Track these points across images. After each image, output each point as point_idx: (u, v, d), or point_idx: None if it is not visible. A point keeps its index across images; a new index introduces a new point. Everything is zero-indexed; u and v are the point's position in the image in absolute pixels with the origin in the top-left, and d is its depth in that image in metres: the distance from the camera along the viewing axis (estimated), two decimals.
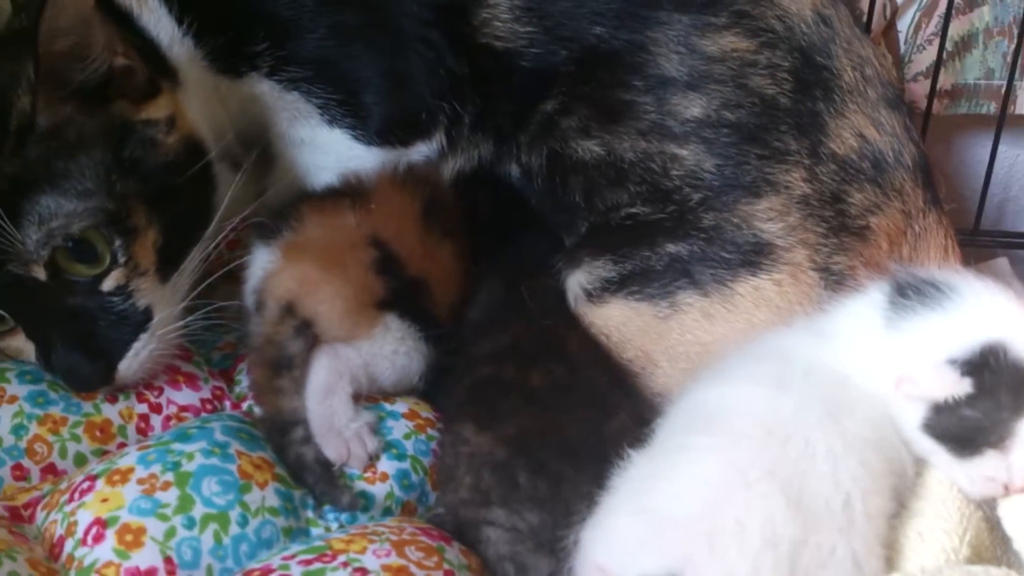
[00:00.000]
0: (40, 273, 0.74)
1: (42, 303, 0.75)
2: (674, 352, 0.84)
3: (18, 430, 0.76)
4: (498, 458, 0.72)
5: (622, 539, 0.64)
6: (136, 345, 0.78)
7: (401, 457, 0.79)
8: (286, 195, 0.94)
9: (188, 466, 0.70)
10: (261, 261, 0.85)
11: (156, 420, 0.82)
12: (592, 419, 0.76)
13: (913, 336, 0.71)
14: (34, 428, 0.77)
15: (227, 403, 0.86)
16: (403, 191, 0.89)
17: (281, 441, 0.77)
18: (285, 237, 0.85)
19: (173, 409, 0.83)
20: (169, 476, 0.69)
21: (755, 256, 0.84)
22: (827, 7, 0.92)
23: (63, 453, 0.77)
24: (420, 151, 0.95)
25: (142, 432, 0.81)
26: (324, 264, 0.81)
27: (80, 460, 0.77)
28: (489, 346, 0.81)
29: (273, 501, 0.72)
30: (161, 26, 0.85)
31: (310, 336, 0.79)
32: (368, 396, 0.82)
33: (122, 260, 0.77)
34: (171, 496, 0.68)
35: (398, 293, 0.83)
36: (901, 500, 0.69)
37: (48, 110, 0.74)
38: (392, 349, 0.82)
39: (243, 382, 0.88)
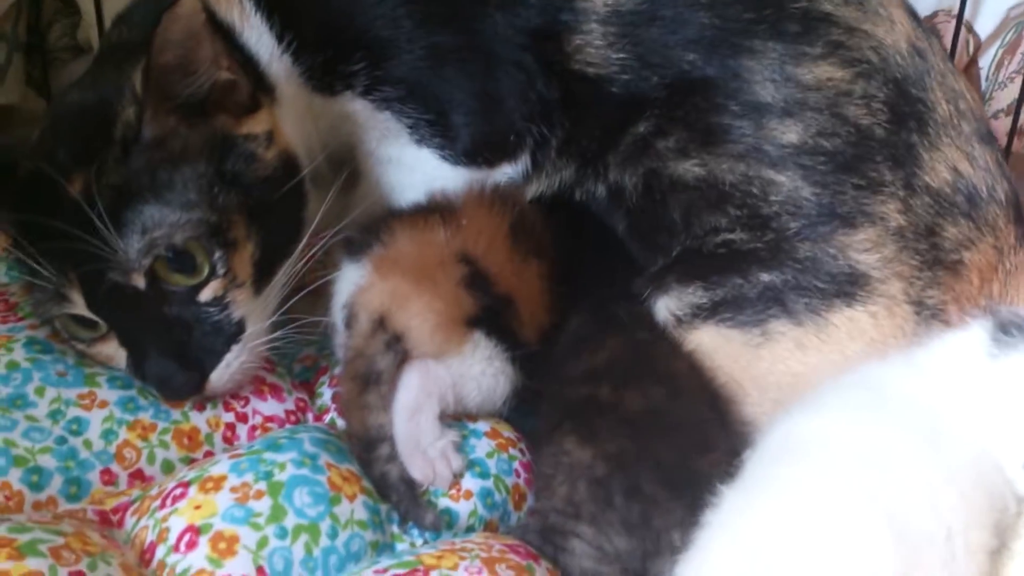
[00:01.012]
0: (139, 282, 0.75)
1: (139, 311, 0.76)
2: (765, 382, 0.83)
3: (108, 435, 0.76)
4: (597, 473, 0.71)
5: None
6: (228, 356, 0.78)
7: (484, 475, 0.78)
8: (371, 212, 0.94)
9: (280, 476, 0.70)
10: (351, 277, 0.85)
11: (242, 430, 0.82)
12: (690, 449, 0.74)
13: (1018, 373, 0.69)
14: (124, 433, 0.77)
15: (309, 415, 0.86)
16: (491, 209, 0.89)
17: (366, 457, 0.76)
18: (375, 253, 0.85)
19: (259, 419, 0.83)
20: (262, 485, 0.69)
21: (850, 287, 0.83)
22: (921, 40, 0.91)
23: (151, 459, 0.77)
24: (505, 172, 0.95)
25: (228, 441, 0.81)
26: (415, 279, 0.81)
27: (167, 467, 0.77)
28: (585, 364, 0.80)
29: (361, 514, 0.71)
30: (262, 43, 0.86)
31: (400, 351, 0.79)
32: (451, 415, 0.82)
33: (221, 272, 0.77)
34: (264, 505, 0.68)
35: (487, 310, 0.82)
36: (1002, 537, 0.67)
37: (154, 121, 0.74)
38: (480, 369, 0.82)
39: (325, 395, 0.88)
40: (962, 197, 0.87)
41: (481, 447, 0.80)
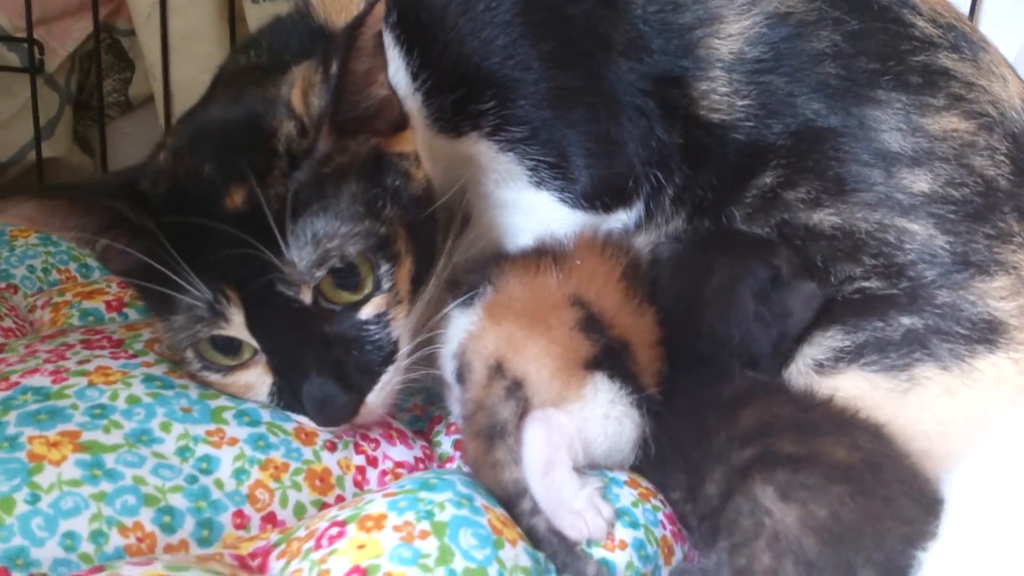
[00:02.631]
0: (307, 296, 0.72)
1: (300, 329, 0.72)
2: (911, 430, 0.80)
3: (239, 474, 0.71)
4: (808, 555, 0.64)
5: None
6: (384, 377, 0.75)
7: (635, 525, 0.74)
8: (478, 255, 0.92)
9: (441, 516, 0.65)
10: (461, 323, 0.82)
11: (372, 474, 0.77)
12: (914, 515, 0.66)
13: None
14: (256, 473, 0.72)
15: (433, 464, 0.81)
16: (604, 254, 0.87)
17: (511, 513, 0.71)
18: (486, 298, 0.82)
19: (389, 464, 0.78)
20: (425, 525, 0.64)
21: (991, 334, 0.81)
22: None
23: (284, 501, 0.72)
24: (619, 218, 0.94)
25: (358, 485, 0.76)
26: (529, 323, 0.78)
27: (299, 510, 0.72)
28: (728, 434, 0.75)
29: (524, 560, 0.66)
30: (399, 76, 0.85)
31: (521, 399, 0.75)
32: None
33: (387, 286, 0.75)
34: (431, 546, 0.63)
35: (605, 351, 0.79)
36: None
37: (328, 136, 0.72)
38: (603, 412, 0.77)
39: (444, 443, 0.85)
40: None
41: (625, 496, 0.76)
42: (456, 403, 0.84)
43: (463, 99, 0.88)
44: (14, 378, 0.75)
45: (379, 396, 0.75)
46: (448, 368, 0.82)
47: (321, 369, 0.72)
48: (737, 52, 0.91)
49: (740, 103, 0.90)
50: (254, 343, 0.74)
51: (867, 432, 0.73)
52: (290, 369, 0.74)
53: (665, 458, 0.80)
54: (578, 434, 0.76)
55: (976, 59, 0.91)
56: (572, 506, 0.72)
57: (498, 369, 0.76)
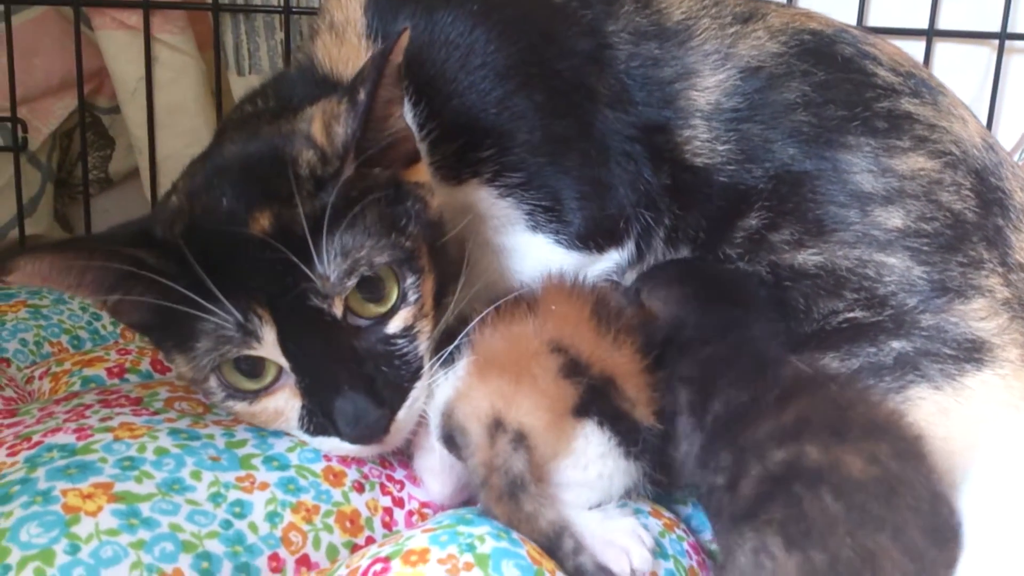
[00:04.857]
0: (339, 308, 0.74)
1: (332, 344, 0.74)
2: None
3: (272, 517, 0.72)
4: None
5: None
6: (413, 393, 0.77)
7: (665, 556, 0.75)
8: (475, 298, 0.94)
9: (482, 548, 0.66)
10: (446, 384, 0.79)
11: (399, 515, 0.78)
12: (923, 548, 0.65)
13: None
14: (288, 516, 0.73)
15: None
16: (571, 295, 0.87)
17: (555, 557, 0.70)
18: (468, 353, 0.81)
19: (415, 504, 0.79)
20: (468, 557, 0.65)
21: (976, 353, 0.86)
22: (989, 137, 1.00)
23: (316, 544, 0.72)
24: (612, 258, 0.99)
25: (387, 526, 0.77)
26: (515, 376, 0.77)
27: (332, 553, 0.73)
28: (769, 426, 0.74)
29: None
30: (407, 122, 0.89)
31: (528, 448, 0.73)
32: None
33: (413, 298, 0.78)
34: None
35: (590, 391, 0.78)
36: None
37: (352, 163, 0.76)
38: (597, 472, 0.77)
39: None
40: None
41: (652, 527, 0.78)
42: (428, 456, 0.81)
43: (464, 147, 0.92)
44: (36, 437, 0.76)
45: (408, 413, 0.77)
46: (435, 431, 0.79)
47: (354, 384, 0.74)
48: (714, 103, 0.97)
49: (721, 148, 0.96)
50: (284, 362, 0.75)
51: (896, 444, 0.72)
52: (322, 387, 0.75)
53: (719, 434, 0.78)
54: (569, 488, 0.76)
55: (936, 103, 0.98)
56: (614, 540, 0.72)
57: (498, 425, 0.74)
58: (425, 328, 0.79)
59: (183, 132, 1.40)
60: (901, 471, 0.69)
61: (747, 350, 0.84)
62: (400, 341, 0.77)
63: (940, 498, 0.70)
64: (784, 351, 0.85)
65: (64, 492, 0.68)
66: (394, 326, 0.77)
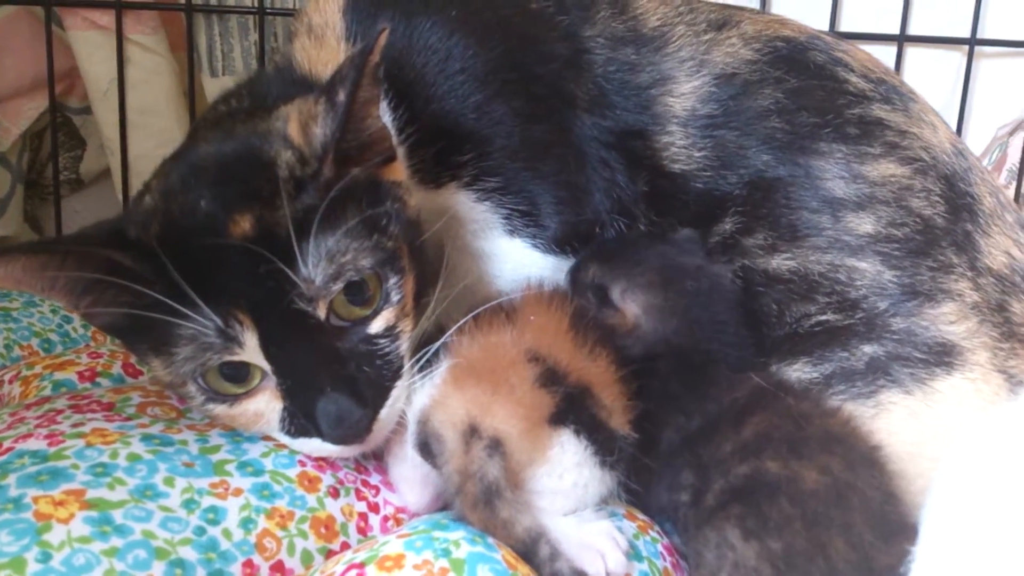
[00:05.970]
0: (322, 311, 0.74)
1: (315, 346, 0.74)
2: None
3: (247, 523, 0.72)
4: None
5: None
6: (394, 392, 0.77)
7: (639, 558, 0.76)
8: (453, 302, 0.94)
9: (458, 553, 0.66)
10: (422, 393, 0.80)
11: (374, 520, 0.78)
12: (868, 542, 0.70)
13: None
14: (263, 522, 0.72)
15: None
16: (550, 305, 0.88)
17: (532, 563, 0.70)
18: (445, 361, 0.81)
19: (390, 510, 0.79)
20: (444, 563, 0.65)
21: (947, 356, 0.88)
22: (959, 143, 1.02)
23: (291, 550, 0.72)
24: None
25: (362, 532, 0.77)
26: (492, 384, 0.77)
27: (307, 558, 0.73)
28: (733, 441, 0.78)
29: None
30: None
31: (503, 454, 0.73)
32: None
33: (396, 298, 0.78)
34: None
35: (567, 400, 0.78)
36: None
37: (331, 163, 0.75)
38: (572, 480, 0.77)
39: None
40: (1020, 277, 0.94)
41: (626, 529, 0.78)
42: (403, 465, 0.81)
43: (443, 151, 0.92)
44: (7, 444, 0.74)
45: (390, 412, 0.77)
46: (411, 438, 0.79)
47: (336, 385, 0.74)
48: (690, 109, 0.98)
49: (697, 154, 0.97)
50: (266, 366, 0.74)
51: (849, 454, 0.75)
52: (304, 388, 0.74)
53: (678, 453, 0.81)
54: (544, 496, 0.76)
55: (907, 109, 1.00)
56: (588, 542, 0.72)
57: (473, 432, 0.74)
58: (406, 327, 0.80)
59: (155, 133, 1.39)
60: (852, 479, 0.73)
61: (700, 371, 0.86)
62: (382, 341, 0.77)
63: (892, 498, 0.75)
64: (745, 364, 0.87)
65: (35, 499, 0.67)
66: (376, 326, 0.77)
